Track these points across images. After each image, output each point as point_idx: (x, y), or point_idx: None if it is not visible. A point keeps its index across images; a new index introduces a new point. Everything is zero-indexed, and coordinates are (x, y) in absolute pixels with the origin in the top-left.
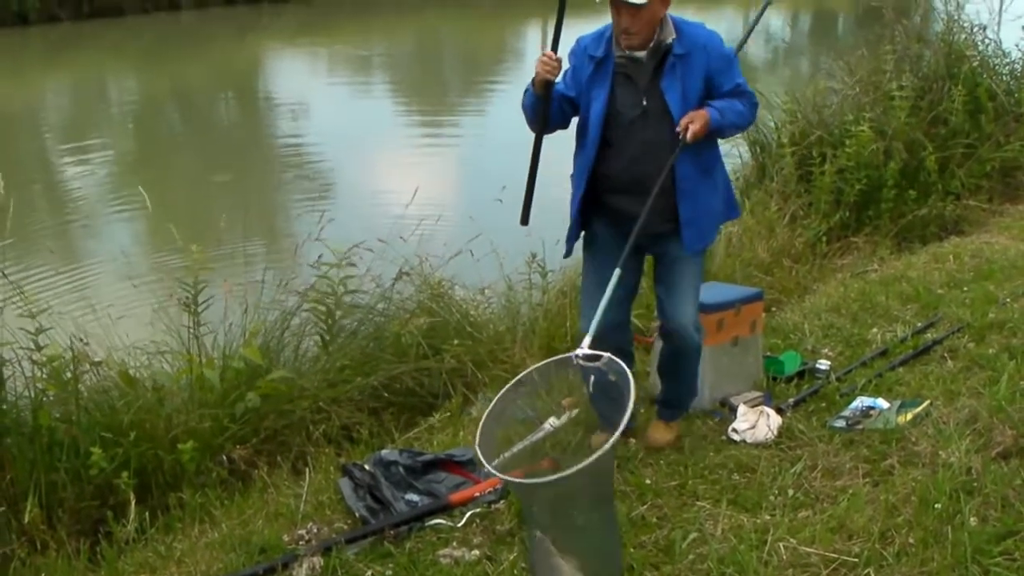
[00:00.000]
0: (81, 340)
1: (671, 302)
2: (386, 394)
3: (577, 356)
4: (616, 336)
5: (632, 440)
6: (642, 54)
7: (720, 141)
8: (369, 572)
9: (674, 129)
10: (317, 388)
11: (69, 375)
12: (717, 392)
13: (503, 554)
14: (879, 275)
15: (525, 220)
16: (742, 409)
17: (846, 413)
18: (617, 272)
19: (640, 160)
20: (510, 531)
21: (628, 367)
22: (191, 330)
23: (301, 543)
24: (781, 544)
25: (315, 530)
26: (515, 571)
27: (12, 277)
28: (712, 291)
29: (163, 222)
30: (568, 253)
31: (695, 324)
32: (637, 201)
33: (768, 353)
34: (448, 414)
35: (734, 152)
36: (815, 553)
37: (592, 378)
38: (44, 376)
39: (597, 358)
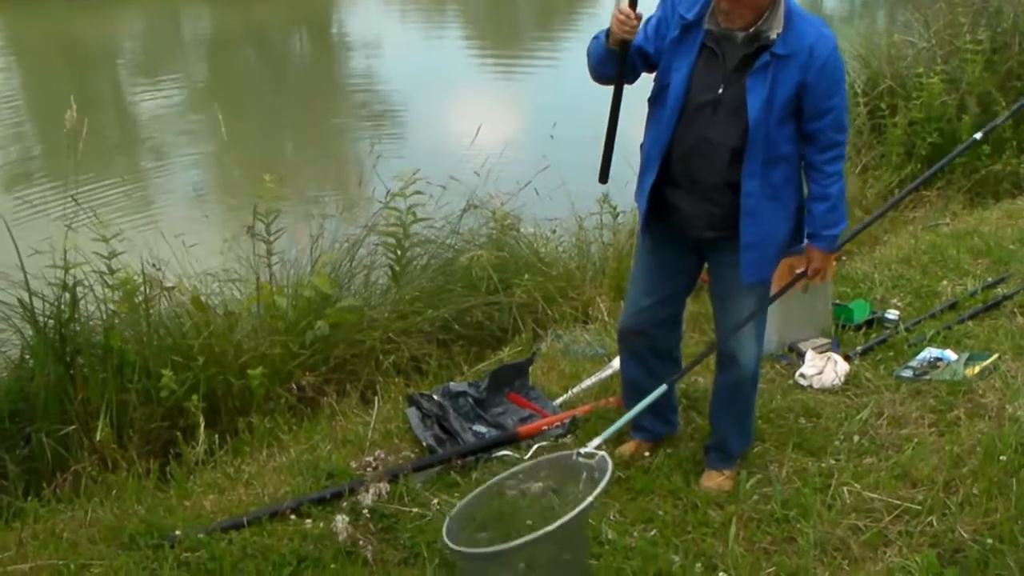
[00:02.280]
0: (153, 266)
1: (723, 317)
2: (456, 327)
3: (579, 453)
4: (661, 335)
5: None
6: (739, 32)
7: None
8: (435, 500)
9: (743, 133)
10: (387, 319)
11: (141, 299)
12: (785, 337)
13: (569, 486)
14: (950, 229)
15: (604, 178)
16: (810, 355)
17: (913, 363)
18: (663, 388)
19: (693, 157)
20: None
21: (676, 365)
22: (263, 258)
23: (368, 470)
24: (845, 488)
25: (382, 457)
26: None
27: (85, 202)
28: None
29: (235, 154)
30: (642, 245)
31: (754, 350)
32: (695, 201)
33: (837, 301)
34: (518, 349)
35: None
36: (878, 499)
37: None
38: (116, 299)
39: (593, 456)
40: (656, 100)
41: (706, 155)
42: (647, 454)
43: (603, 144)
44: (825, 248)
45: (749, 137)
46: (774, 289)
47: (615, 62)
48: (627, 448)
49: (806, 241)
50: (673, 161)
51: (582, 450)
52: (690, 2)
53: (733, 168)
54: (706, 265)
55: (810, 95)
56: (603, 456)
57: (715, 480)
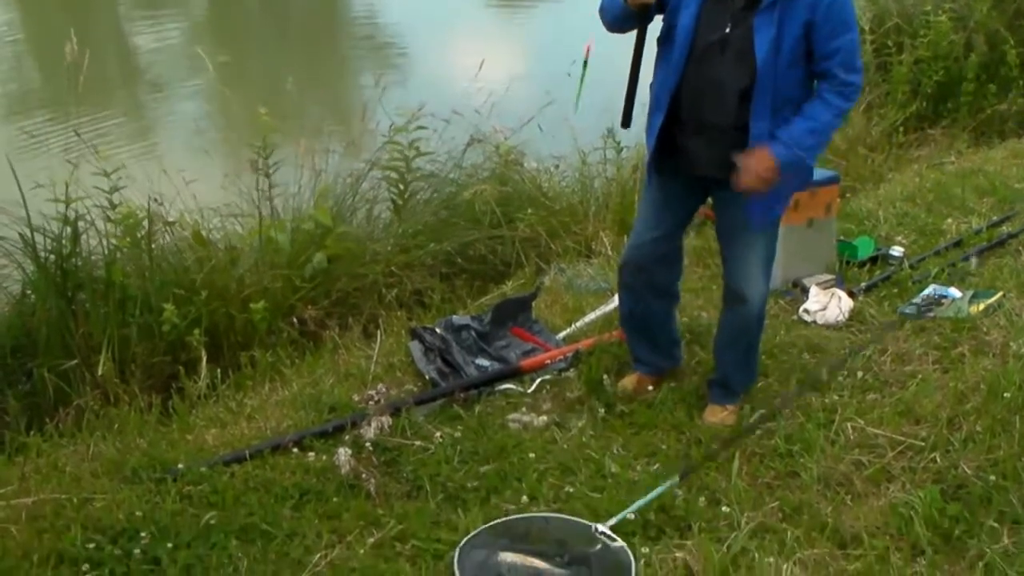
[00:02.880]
0: (154, 200)
1: (735, 266)
2: (459, 260)
3: (598, 528)
4: (661, 272)
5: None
6: None
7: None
8: (438, 434)
9: (752, 74)
10: (389, 253)
11: (142, 233)
12: (790, 272)
13: (571, 421)
14: (955, 167)
15: (627, 123)
16: (814, 290)
17: (918, 300)
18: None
19: (702, 99)
20: (579, 399)
21: (672, 308)
22: (263, 192)
23: (371, 403)
24: (849, 424)
25: (385, 391)
26: (583, 438)
27: (86, 136)
28: None
29: (236, 89)
30: (649, 183)
31: (760, 289)
32: (703, 142)
33: (842, 237)
34: (521, 282)
35: None
36: (882, 435)
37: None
38: (118, 233)
39: (613, 539)
40: (665, 40)
41: (714, 96)
42: (651, 388)
43: (626, 88)
44: (778, 157)
45: (757, 78)
46: None
47: (635, 21)
48: (629, 381)
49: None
50: (682, 102)
51: (602, 528)
52: None
53: (742, 110)
54: (710, 201)
55: (817, 35)
56: (625, 549)
57: (718, 415)
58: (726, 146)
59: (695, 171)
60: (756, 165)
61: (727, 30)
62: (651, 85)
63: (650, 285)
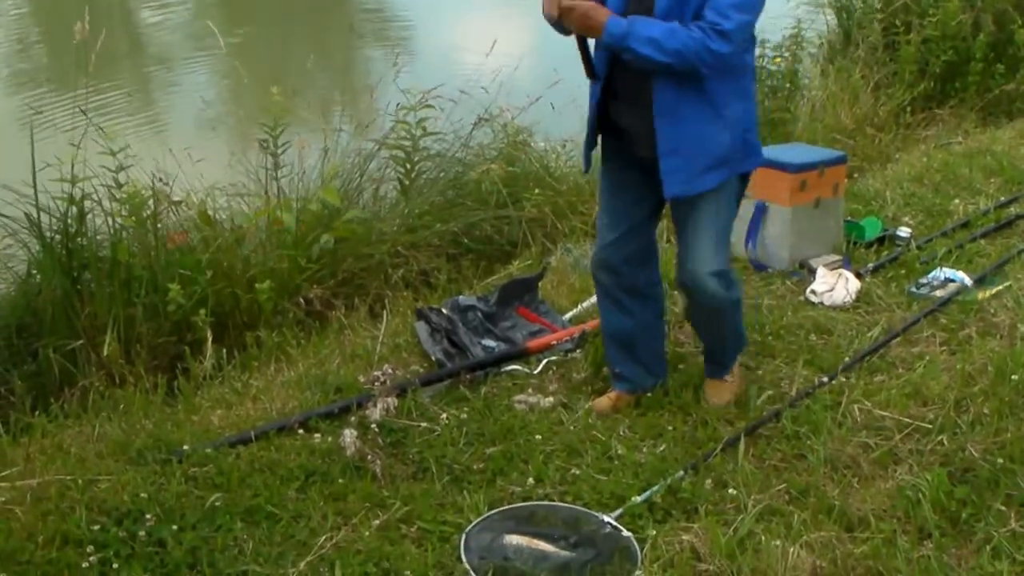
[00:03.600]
0: (160, 180)
1: (682, 245)
2: (465, 241)
3: (608, 520)
4: (633, 273)
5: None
6: None
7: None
8: (444, 415)
9: None
10: (396, 233)
11: (148, 213)
12: (797, 253)
13: (578, 402)
14: (963, 148)
15: (592, 74)
16: (821, 271)
17: (926, 281)
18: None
19: (625, 65)
20: (585, 380)
21: (656, 315)
22: (270, 172)
23: (376, 384)
24: (856, 406)
25: (391, 372)
26: (589, 419)
27: (92, 114)
28: (796, 151)
29: (244, 67)
30: (586, 167)
31: (715, 271)
32: (637, 117)
33: (849, 218)
34: (528, 263)
35: (820, 18)
36: (889, 417)
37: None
38: (123, 213)
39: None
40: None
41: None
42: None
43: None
44: (614, 21)
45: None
46: None
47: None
48: (605, 401)
49: None
50: (615, 73)
51: (609, 519)
52: None
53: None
54: None
55: None
56: (631, 539)
57: (715, 389)
58: (642, 110)
59: (635, 152)
60: (589, 5)
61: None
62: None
63: (626, 288)
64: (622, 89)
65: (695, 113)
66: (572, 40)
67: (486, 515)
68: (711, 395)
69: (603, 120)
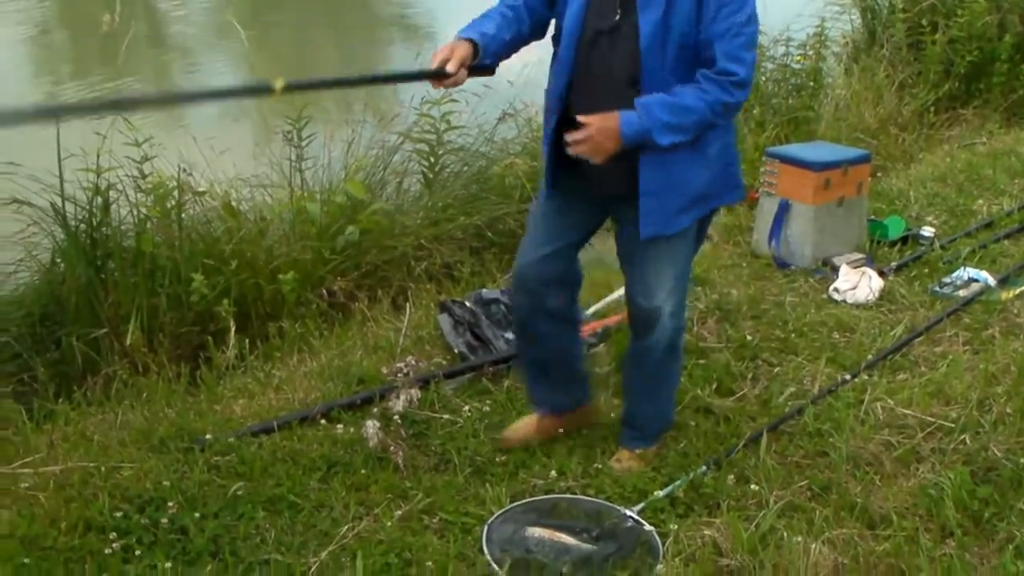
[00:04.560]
0: (184, 171)
1: (632, 279)
2: (488, 234)
3: (630, 514)
4: (554, 295)
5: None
6: None
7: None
8: (466, 407)
9: (637, 61)
10: (419, 226)
11: (172, 203)
12: (820, 251)
13: (599, 396)
14: (987, 148)
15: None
16: (844, 269)
17: (949, 280)
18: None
19: (592, 94)
20: (608, 374)
21: (573, 338)
22: (293, 163)
23: (399, 376)
24: (878, 404)
25: (413, 363)
26: (612, 414)
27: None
28: (819, 150)
29: (268, 59)
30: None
31: (670, 311)
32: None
33: (872, 217)
34: None
35: (843, 17)
36: (912, 415)
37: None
38: (148, 203)
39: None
40: (556, 39)
41: (605, 91)
42: (560, 431)
43: None
44: (629, 122)
45: (642, 63)
46: None
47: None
48: (520, 428)
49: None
50: (573, 102)
51: (631, 513)
52: None
53: (631, 102)
54: None
55: (703, 13)
56: (654, 533)
57: (624, 459)
58: (623, 156)
59: (596, 191)
60: (593, 132)
61: (616, 17)
62: (547, 91)
63: (542, 310)
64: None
65: (682, 155)
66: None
67: (508, 507)
68: (617, 465)
69: (560, 152)
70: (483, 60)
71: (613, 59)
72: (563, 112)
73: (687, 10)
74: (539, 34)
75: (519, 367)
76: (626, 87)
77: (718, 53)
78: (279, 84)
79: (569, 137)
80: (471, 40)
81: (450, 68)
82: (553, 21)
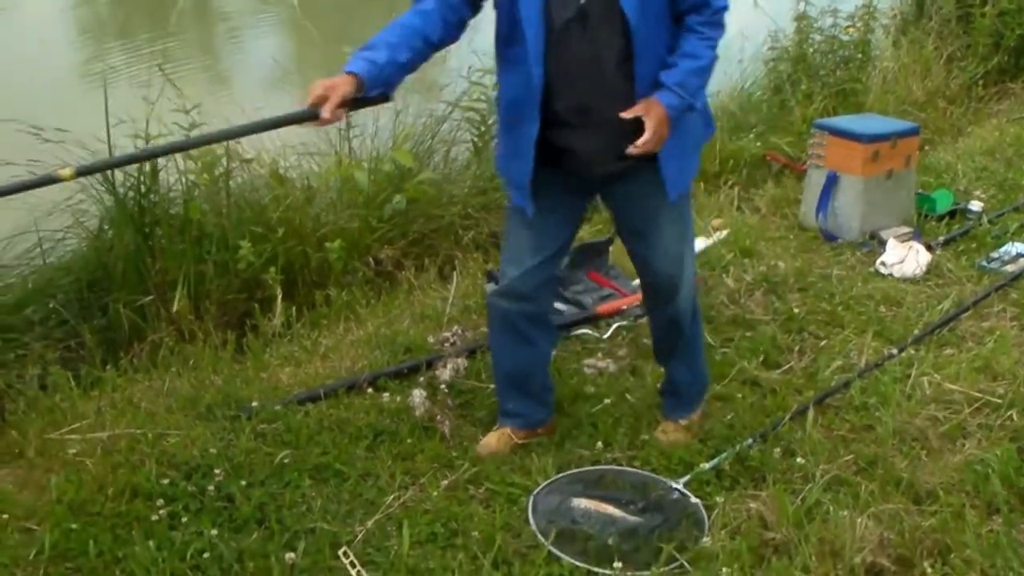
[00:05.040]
0: None
1: (652, 250)
2: None
3: (676, 486)
4: (544, 298)
5: None
6: None
7: None
8: None
9: (624, 37)
10: (466, 195)
11: (220, 171)
12: (867, 224)
13: (646, 367)
14: None
15: None
16: (892, 243)
17: (996, 255)
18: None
19: (575, 86)
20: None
21: (548, 344)
22: (343, 131)
23: (446, 345)
24: (925, 379)
25: (460, 332)
26: (657, 385)
27: (166, 71)
28: (868, 122)
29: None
30: (531, 210)
31: (686, 278)
32: (590, 135)
33: (920, 190)
34: (598, 227)
35: None
36: (959, 391)
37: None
38: (196, 170)
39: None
40: (508, 39)
41: (589, 77)
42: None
43: None
44: (669, 106)
45: (633, 40)
46: None
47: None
48: (493, 440)
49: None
50: (554, 99)
51: (677, 485)
52: None
53: (625, 81)
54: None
55: None
56: (699, 505)
57: (669, 431)
58: (616, 132)
59: (590, 171)
60: (657, 128)
61: (582, 1)
62: (498, 101)
63: (530, 316)
64: (565, 114)
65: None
66: None
67: (554, 478)
68: (663, 437)
69: (543, 154)
70: (368, 92)
71: (597, 42)
72: (544, 114)
73: None
74: (452, 38)
75: (497, 381)
76: (617, 67)
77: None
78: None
79: (637, 145)
80: (354, 74)
81: (325, 112)
82: (494, 23)
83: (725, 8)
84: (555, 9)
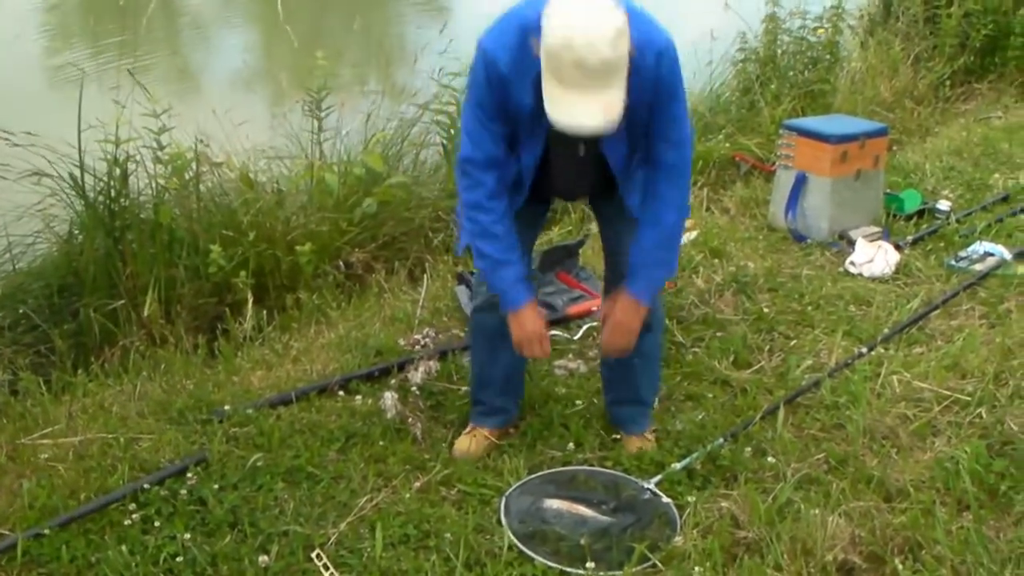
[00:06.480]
0: (202, 142)
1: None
2: None
3: (648, 486)
4: None
5: None
6: None
7: None
8: None
9: (608, 174)
10: (436, 197)
11: (191, 175)
12: (836, 224)
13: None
14: (1003, 122)
15: None
16: (860, 243)
17: (965, 254)
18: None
19: (575, 180)
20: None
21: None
22: (313, 135)
23: (417, 347)
24: (895, 378)
25: (431, 335)
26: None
27: (135, 75)
28: (837, 123)
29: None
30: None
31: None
32: (576, 184)
33: (888, 190)
34: (568, 229)
35: None
36: (928, 389)
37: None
38: (166, 174)
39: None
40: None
41: (586, 176)
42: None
43: None
44: (644, 296)
45: (617, 178)
46: None
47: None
48: (470, 442)
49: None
50: (541, 181)
51: (649, 485)
52: (516, 72)
53: (603, 169)
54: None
55: (653, 114)
56: (671, 505)
57: (635, 444)
58: (594, 185)
59: (561, 197)
60: (630, 325)
61: (582, 153)
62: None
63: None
64: (550, 189)
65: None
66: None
67: (526, 479)
68: (633, 448)
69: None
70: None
71: (581, 178)
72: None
73: (643, 121)
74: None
75: (477, 385)
76: (600, 180)
77: (666, 149)
78: None
79: (607, 352)
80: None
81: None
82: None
83: (686, 161)
84: (554, 157)
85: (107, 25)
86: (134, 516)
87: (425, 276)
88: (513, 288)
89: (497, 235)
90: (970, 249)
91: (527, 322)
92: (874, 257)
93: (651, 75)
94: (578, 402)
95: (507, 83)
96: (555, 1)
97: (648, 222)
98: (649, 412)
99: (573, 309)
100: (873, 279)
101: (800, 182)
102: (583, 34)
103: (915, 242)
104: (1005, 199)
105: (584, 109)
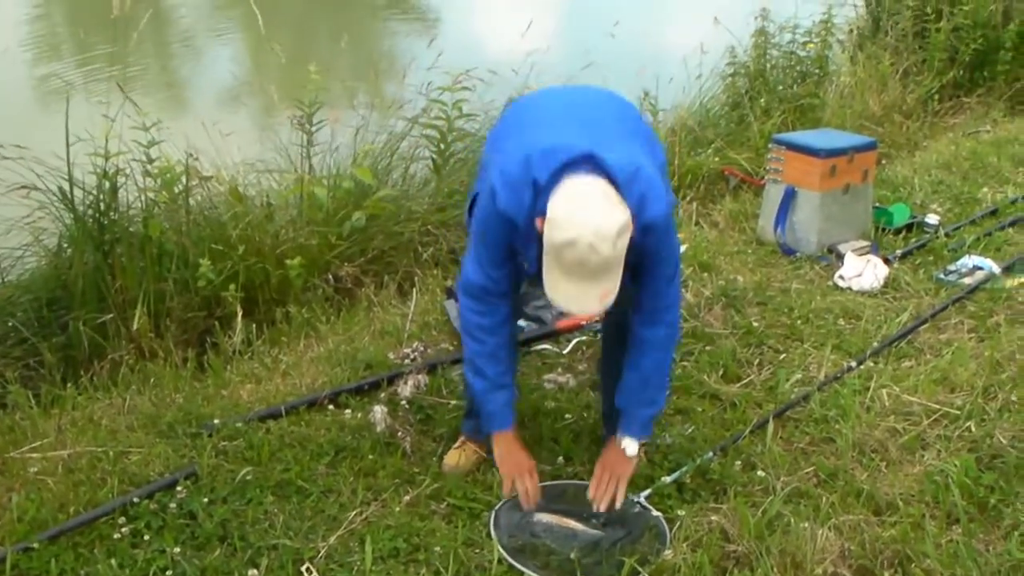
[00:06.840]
0: (191, 155)
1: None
2: None
3: (638, 500)
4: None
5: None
6: None
7: None
8: None
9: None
10: (426, 211)
11: (180, 188)
12: (825, 238)
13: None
14: (991, 136)
15: None
16: (849, 256)
17: (953, 268)
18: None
19: None
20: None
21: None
22: (303, 148)
23: (406, 361)
24: (884, 391)
25: (421, 349)
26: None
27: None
28: (826, 137)
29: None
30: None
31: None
32: None
33: (877, 204)
34: None
35: (848, 3)
36: (917, 402)
37: None
38: (156, 188)
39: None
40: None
41: None
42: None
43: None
44: (637, 436)
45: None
46: None
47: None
48: (460, 457)
49: (619, 433)
50: None
51: (639, 499)
52: (521, 236)
53: None
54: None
55: (644, 261)
56: (661, 518)
57: (620, 455)
58: None
59: None
60: (621, 471)
61: None
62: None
63: (517, 311)
64: None
65: None
66: (605, 23)
67: (516, 493)
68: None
69: None
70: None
71: None
72: None
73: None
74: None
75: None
76: None
77: (648, 300)
78: None
79: (595, 499)
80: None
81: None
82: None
83: (671, 321)
84: None
85: (96, 37)
86: (123, 530)
87: (414, 290)
88: (503, 411)
89: (501, 359)
90: (959, 263)
91: (515, 451)
92: (863, 271)
93: (635, 245)
94: (567, 416)
95: (521, 235)
96: (561, 190)
97: (630, 365)
98: (647, 424)
99: (562, 323)
100: (862, 293)
101: (789, 196)
102: (586, 236)
103: (904, 256)
104: (994, 213)
105: (582, 297)
